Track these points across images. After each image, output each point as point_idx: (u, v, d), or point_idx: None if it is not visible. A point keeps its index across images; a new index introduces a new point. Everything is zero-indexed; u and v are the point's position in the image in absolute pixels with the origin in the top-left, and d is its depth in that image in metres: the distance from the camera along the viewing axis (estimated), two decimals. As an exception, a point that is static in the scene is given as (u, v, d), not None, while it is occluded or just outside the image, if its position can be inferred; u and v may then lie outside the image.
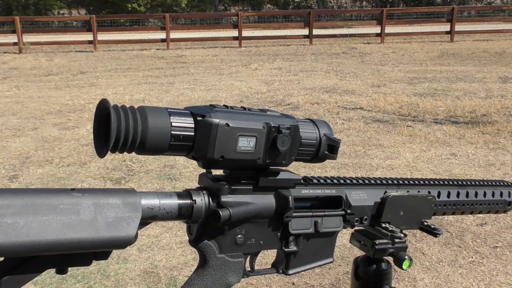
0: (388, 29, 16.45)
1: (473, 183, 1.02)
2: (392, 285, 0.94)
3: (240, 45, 15.69)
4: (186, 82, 9.35)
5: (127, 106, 0.64)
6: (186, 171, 4.31)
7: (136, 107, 0.65)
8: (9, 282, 0.59)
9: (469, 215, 3.33)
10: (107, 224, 0.61)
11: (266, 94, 7.97)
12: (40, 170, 4.39)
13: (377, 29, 16.44)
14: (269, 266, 0.85)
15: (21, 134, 5.64)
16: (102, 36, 16.01)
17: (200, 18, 20.32)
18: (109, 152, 0.63)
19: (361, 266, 0.93)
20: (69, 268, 0.67)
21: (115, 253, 2.95)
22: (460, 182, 1.00)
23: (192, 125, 0.66)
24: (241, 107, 0.71)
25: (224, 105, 0.70)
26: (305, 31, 16.41)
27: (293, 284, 2.59)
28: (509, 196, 1.07)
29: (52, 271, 0.63)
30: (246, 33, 16.40)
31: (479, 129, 5.57)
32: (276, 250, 0.83)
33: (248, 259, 0.79)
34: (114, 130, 0.60)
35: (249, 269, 0.81)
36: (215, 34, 16.78)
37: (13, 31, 15.24)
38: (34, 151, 4.94)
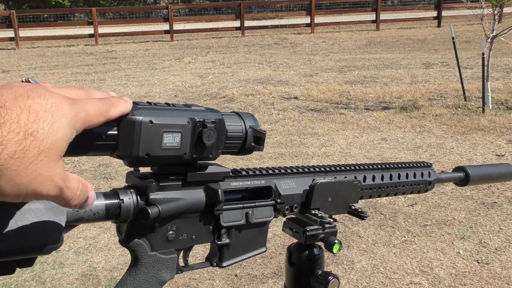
0: (317, 19, 16.81)
1: (395, 166, 1.08)
2: (325, 269, 0.98)
3: (171, 39, 15.46)
4: (118, 78, 9.10)
5: None
6: (122, 169, 4.22)
7: None
8: None
9: (401, 197, 3.49)
10: (30, 230, 0.59)
11: (200, 87, 7.92)
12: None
13: (307, 20, 16.75)
14: (203, 260, 0.86)
15: None
16: (24, 33, 15.22)
17: (129, 12, 19.81)
18: None
19: (295, 253, 0.96)
20: (0, 277, 0.65)
21: (50, 258, 2.84)
22: (383, 166, 1.06)
23: (115, 124, 0.65)
24: (165, 103, 0.71)
25: (147, 102, 0.69)
26: (237, 23, 16.43)
27: (236, 276, 2.61)
28: (429, 176, 1.14)
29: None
30: (177, 26, 16.19)
31: (407, 113, 5.84)
32: (209, 244, 0.84)
33: (181, 254, 0.80)
34: None
35: (183, 264, 0.81)
36: (145, 28, 16.43)
37: None
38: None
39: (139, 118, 0.65)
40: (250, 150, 0.79)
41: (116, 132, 0.65)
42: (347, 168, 1.00)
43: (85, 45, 14.88)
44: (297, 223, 0.93)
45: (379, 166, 1.05)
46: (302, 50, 12.53)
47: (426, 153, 4.42)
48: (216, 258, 0.83)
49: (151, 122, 0.66)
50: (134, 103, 0.68)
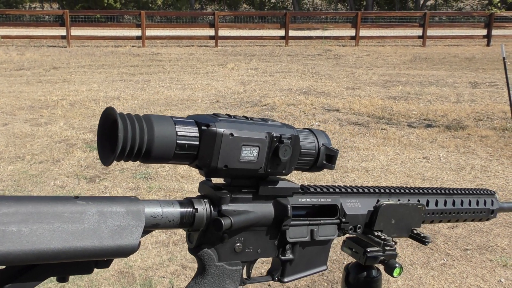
0: (363, 32, 16.67)
1: (458, 191, 1.05)
2: None
3: (216, 45, 15.65)
4: (162, 81, 9.27)
5: (133, 114, 0.63)
6: (162, 170, 4.28)
7: (141, 115, 0.65)
8: None
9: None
10: (111, 233, 0.61)
11: (242, 94, 7.97)
12: (11, 167, 4.29)
13: (352, 32, 16.63)
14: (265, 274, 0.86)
15: (-9, 130, 5.50)
16: (75, 32, 15.73)
17: (176, 16, 20.17)
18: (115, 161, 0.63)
19: (352, 273, 0.95)
20: None
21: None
22: (446, 191, 1.03)
23: (197, 135, 0.66)
24: (243, 116, 0.72)
25: (227, 114, 0.70)
26: (281, 32, 16.47)
27: (269, 285, 2.60)
28: (492, 205, 1.10)
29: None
30: (222, 32, 16.37)
31: (450, 133, 5.70)
32: (271, 258, 0.83)
33: (245, 267, 0.80)
34: (121, 139, 0.60)
35: (246, 277, 0.81)
36: (191, 32, 16.69)
37: (-17, 24, 14.83)
38: (5, 147, 4.83)
39: (221, 130, 0.66)
40: (321, 167, 0.79)
41: (197, 143, 0.66)
42: (411, 191, 0.98)
43: (132, 46, 15.24)
44: (357, 243, 0.92)
45: (442, 191, 1.03)
46: (345, 62, 12.44)
47: (470, 175, 4.30)
48: (278, 273, 0.82)
49: (231, 135, 0.67)
50: (214, 114, 0.69)
